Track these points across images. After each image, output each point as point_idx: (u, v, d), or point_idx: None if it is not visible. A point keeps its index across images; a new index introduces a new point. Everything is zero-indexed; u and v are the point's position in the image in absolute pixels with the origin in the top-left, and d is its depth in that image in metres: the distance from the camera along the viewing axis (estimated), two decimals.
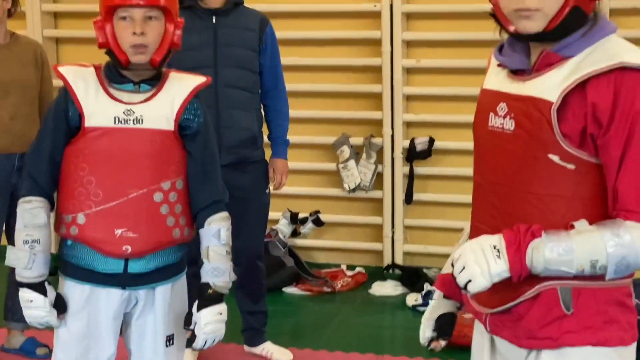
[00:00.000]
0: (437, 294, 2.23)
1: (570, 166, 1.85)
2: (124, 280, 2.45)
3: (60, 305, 2.44)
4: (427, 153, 5.10)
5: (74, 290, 2.47)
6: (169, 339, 2.54)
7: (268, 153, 3.91)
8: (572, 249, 1.80)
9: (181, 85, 2.46)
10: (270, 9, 4.68)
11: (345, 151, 5.17)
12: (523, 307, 1.92)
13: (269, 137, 3.90)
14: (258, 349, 3.98)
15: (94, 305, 2.46)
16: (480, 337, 2.09)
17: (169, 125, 2.42)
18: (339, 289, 5.01)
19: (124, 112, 2.38)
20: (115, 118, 2.38)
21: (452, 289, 2.07)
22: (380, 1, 5.02)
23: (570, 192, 1.86)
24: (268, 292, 4.06)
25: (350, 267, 5.26)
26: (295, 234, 5.32)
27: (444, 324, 2.18)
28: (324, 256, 5.44)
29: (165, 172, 2.43)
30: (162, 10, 2.39)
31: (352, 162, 5.15)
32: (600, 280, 1.86)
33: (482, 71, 2.13)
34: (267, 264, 4.09)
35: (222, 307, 2.47)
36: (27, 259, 2.38)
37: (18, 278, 2.41)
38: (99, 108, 2.38)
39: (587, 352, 1.90)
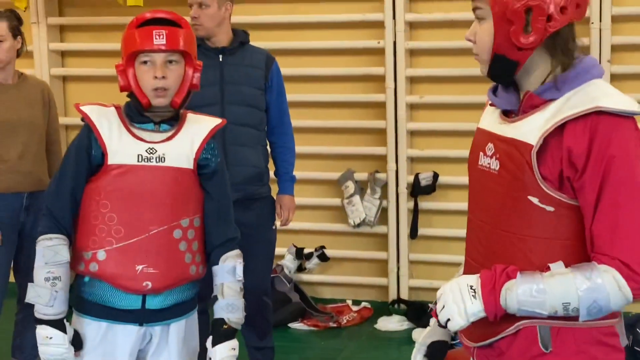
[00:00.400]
0: (432, 321, 2.24)
1: (550, 208, 1.87)
2: (141, 317, 2.49)
3: (77, 343, 2.46)
4: (431, 188, 5.12)
5: (90, 327, 2.49)
6: None
7: (274, 189, 3.94)
8: (544, 291, 1.82)
9: (200, 126, 2.55)
10: (274, 46, 4.74)
11: (350, 186, 5.19)
12: (504, 342, 1.95)
13: (275, 174, 3.94)
14: None
15: (110, 342, 2.48)
16: None
17: (189, 164, 2.49)
18: (344, 324, 5.01)
19: (146, 151, 2.45)
20: (138, 156, 2.44)
21: None
22: (384, 38, 5.08)
23: (549, 234, 1.89)
24: (274, 328, 4.07)
25: (356, 302, 5.27)
26: (300, 269, 5.32)
27: (435, 350, 2.21)
28: (329, 291, 5.44)
29: (185, 210, 2.49)
30: (182, 54, 2.47)
31: (357, 198, 5.17)
32: (579, 320, 1.87)
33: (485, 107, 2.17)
34: (272, 299, 4.09)
35: (235, 343, 2.52)
36: (48, 296, 2.40)
37: (37, 315, 2.42)
38: (123, 146, 2.45)
39: None
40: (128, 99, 2.55)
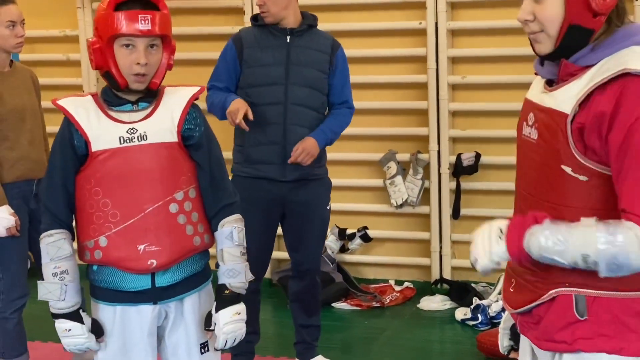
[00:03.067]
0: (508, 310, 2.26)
1: (583, 178, 1.89)
2: (153, 295, 2.50)
3: (97, 330, 2.50)
4: (473, 168, 5.12)
5: (106, 312, 2.52)
6: (203, 346, 2.59)
7: (330, 170, 3.97)
8: (566, 240, 1.83)
9: (178, 98, 2.53)
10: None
11: (392, 167, 5.21)
12: (541, 309, 1.99)
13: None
14: None
15: (127, 325, 2.51)
16: (523, 337, 2.14)
17: (172, 137, 2.48)
18: (387, 303, 5.05)
19: (127, 131, 2.44)
20: (120, 138, 2.43)
21: None
22: (425, 18, 5.08)
23: (583, 203, 1.91)
24: None
25: (399, 282, 5.30)
26: (343, 249, 5.37)
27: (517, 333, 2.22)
28: (372, 271, 5.48)
29: (177, 183, 2.48)
30: (162, 38, 2.46)
31: (399, 178, 5.19)
32: (617, 290, 1.90)
33: (527, 86, 2.19)
34: None
35: (239, 307, 2.52)
36: (58, 290, 2.44)
37: (53, 310, 2.47)
38: (103, 131, 2.44)
39: (602, 359, 1.94)
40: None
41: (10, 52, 3.83)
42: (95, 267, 2.50)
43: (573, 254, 1.83)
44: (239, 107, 3.62)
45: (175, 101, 2.51)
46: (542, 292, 1.98)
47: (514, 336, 2.26)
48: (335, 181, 4.01)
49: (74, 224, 2.55)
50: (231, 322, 2.49)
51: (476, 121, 5.17)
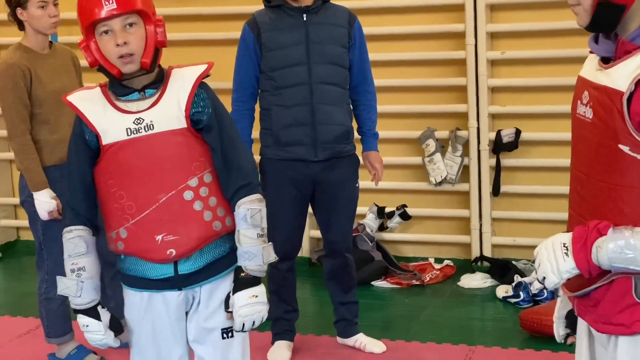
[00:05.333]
0: (561, 291, 2.25)
1: None
2: (177, 282, 2.49)
3: (115, 327, 2.50)
4: (513, 145, 5.06)
5: (135, 297, 2.54)
6: (226, 332, 2.54)
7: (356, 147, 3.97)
8: (635, 247, 1.82)
9: (183, 80, 2.44)
10: (355, 5, 4.75)
11: (431, 145, 5.18)
12: (599, 292, 1.97)
13: (359, 131, 3.97)
14: (351, 341, 4.05)
15: (154, 311, 2.51)
16: (580, 320, 2.13)
17: (180, 123, 2.41)
18: (427, 281, 5.04)
19: (134, 122, 2.39)
20: (127, 130, 2.39)
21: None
22: None
23: None
24: (357, 286, 4.12)
25: (438, 260, 5.28)
26: (382, 228, 5.36)
27: (575, 318, 2.21)
28: (411, 250, 5.46)
29: (189, 170, 2.43)
30: (139, 14, 2.37)
31: (438, 156, 5.16)
32: None
33: (568, 60, 2.17)
34: (355, 258, 4.15)
35: (257, 290, 2.45)
36: (75, 287, 2.44)
37: (72, 305, 2.49)
38: (110, 123, 2.40)
39: None
40: None
41: (45, 33, 3.82)
42: (122, 257, 2.51)
43: None
44: None
45: (180, 84, 2.44)
46: (600, 276, 1.95)
47: (572, 323, 2.24)
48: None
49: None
50: (247, 305, 2.43)
51: (516, 97, 5.11)
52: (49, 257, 3.86)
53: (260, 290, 2.46)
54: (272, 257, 2.48)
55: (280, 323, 3.97)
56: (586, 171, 1.97)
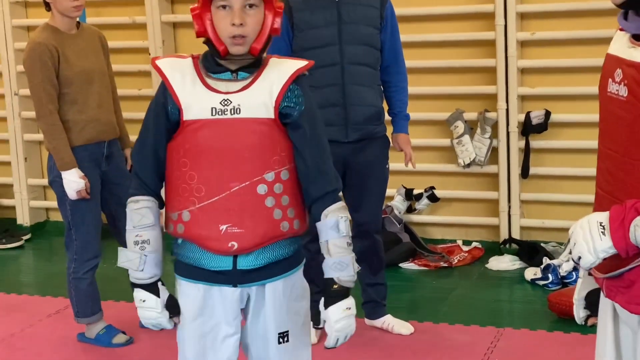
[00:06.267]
0: (583, 271, 2.22)
1: None
2: (234, 278, 2.35)
3: (173, 307, 2.37)
4: (543, 126, 5.02)
5: (189, 289, 2.39)
6: (282, 336, 2.40)
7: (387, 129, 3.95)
8: None
9: (280, 71, 2.32)
10: None
11: (460, 126, 5.15)
12: (634, 273, 1.93)
13: (389, 113, 3.96)
14: (379, 322, 4.05)
15: (210, 305, 2.37)
16: (604, 302, 2.10)
17: (268, 113, 2.28)
18: (455, 264, 5.02)
19: (221, 103, 2.27)
20: (212, 109, 2.27)
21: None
22: None
23: None
24: (385, 268, 4.11)
25: (466, 243, 5.26)
26: (410, 210, 5.34)
27: (595, 300, 2.18)
28: (439, 232, 5.44)
29: (268, 163, 2.29)
30: None
31: (466, 137, 5.13)
32: None
33: (599, 41, 2.13)
34: (383, 240, 4.14)
35: (349, 302, 2.32)
36: (138, 260, 2.32)
37: (132, 279, 2.36)
38: (196, 100, 2.28)
39: None
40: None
41: (70, 16, 3.84)
42: (179, 241, 2.38)
43: None
44: None
45: (277, 74, 2.31)
46: (635, 257, 1.90)
47: (591, 305, 2.21)
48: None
49: (163, 192, 2.43)
50: (343, 319, 2.30)
51: (546, 78, 5.06)
52: (77, 237, 3.89)
53: (352, 302, 2.34)
54: (357, 267, 2.36)
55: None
56: (619, 150, 1.94)
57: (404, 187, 5.28)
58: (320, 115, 2.41)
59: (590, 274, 2.17)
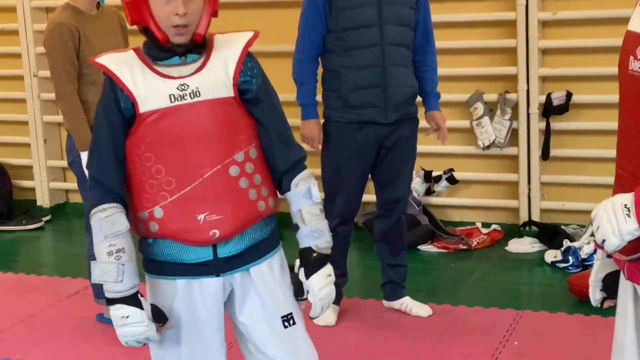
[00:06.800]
0: (600, 253, 2.20)
1: None
2: (216, 267, 2.24)
3: (159, 317, 2.20)
4: (564, 108, 4.97)
5: (165, 287, 2.26)
6: (287, 319, 2.31)
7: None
8: None
9: (231, 47, 2.23)
10: None
11: (479, 108, 5.10)
12: None
13: (420, 93, 3.93)
14: (397, 304, 4.03)
15: (190, 300, 2.25)
16: (624, 285, 2.07)
17: (228, 92, 2.20)
18: (474, 246, 4.99)
19: (178, 88, 2.16)
20: (170, 96, 2.16)
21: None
22: None
23: None
24: None
25: (486, 225, 5.23)
26: (429, 192, 5.32)
27: (611, 282, 2.17)
28: (458, 214, 5.41)
29: (236, 143, 2.21)
30: None
31: (486, 119, 5.08)
32: None
33: (622, 21, 2.08)
34: None
35: (329, 269, 2.28)
36: (115, 271, 2.14)
37: (108, 295, 2.17)
38: (151, 89, 2.16)
39: None
40: None
41: None
42: (150, 241, 2.24)
43: None
44: (313, 136, 3.76)
45: (228, 51, 2.22)
46: None
47: (607, 287, 2.19)
48: (421, 123, 3.95)
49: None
50: (325, 286, 2.26)
51: (567, 59, 5.00)
52: None
53: (331, 269, 2.29)
54: (330, 233, 2.33)
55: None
56: None
57: (423, 169, 5.25)
58: (273, 87, 2.34)
59: (609, 257, 2.14)
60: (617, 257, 2.01)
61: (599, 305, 2.24)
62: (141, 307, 2.16)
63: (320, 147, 3.81)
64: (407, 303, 4.02)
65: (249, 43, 2.25)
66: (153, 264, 2.28)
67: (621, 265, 2.03)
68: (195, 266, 2.23)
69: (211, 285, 2.26)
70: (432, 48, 3.89)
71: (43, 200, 6.15)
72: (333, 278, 2.30)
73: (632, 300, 2.05)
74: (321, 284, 2.26)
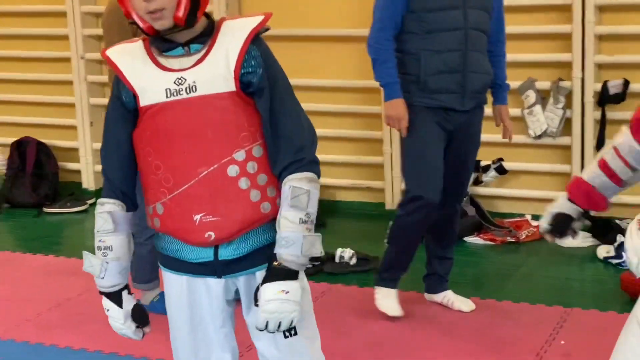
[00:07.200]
0: (562, 195, 2.31)
1: None
2: (216, 269, 2.17)
3: (139, 318, 2.20)
4: (620, 96, 4.79)
5: (173, 280, 2.24)
6: (289, 330, 2.15)
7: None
8: None
9: (234, 35, 2.07)
10: None
11: (531, 96, 4.95)
12: None
13: (491, 83, 3.80)
14: (439, 297, 3.92)
15: (195, 297, 2.21)
16: None
17: (228, 86, 2.06)
18: (523, 239, 4.84)
19: (174, 82, 2.06)
20: (167, 91, 2.06)
21: (579, 194, 2.26)
22: None
23: None
24: None
25: (535, 217, 5.06)
26: (477, 182, 5.18)
27: (558, 222, 2.29)
28: (507, 205, 5.26)
29: (236, 141, 2.07)
30: None
31: (538, 107, 4.93)
32: None
33: None
34: None
35: (289, 285, 2.04)
36: (99, 267, 2.16)
37: (97, 286, 2.22)
38: (150, 82, 2.08)
39: None
40: None
41: None
42: (159, 234, 2.21)
43: None
44: (399, 115, 3.58)
45: (231, 40, 2.07)
46: None
47: (552, 224, 2.32)
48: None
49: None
50: (275, 300, 2.03)
51: (625, 46, 4.81)
52: (140, 202, 3.84)
53: (294, 286, 2.05)
54: (317, 250, 2.08)
55: (396, 270, 3.81)
56: None
57: None
58: (284, 74, 2.16)
59: (570, 200, 2.31)
60: None
61: (545, 235, 2.33)
62: (120, 305, 2.18)
63: (406, 127, 3.62)
64: (449, 297, 3.90)
65: (255, 29, 2.08)
66: (162, 257, 2.25)
67: None
68: (196, 265, 2.18)
69: (214, 285, 2.21)
70: (503, 36, 3.78)
71: (88, 183, 6.16)
72: (292, 297, 2.04)
73: None
74: (269, 297, 2.04)
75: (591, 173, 2.29)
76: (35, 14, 6.16)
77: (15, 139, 6.14)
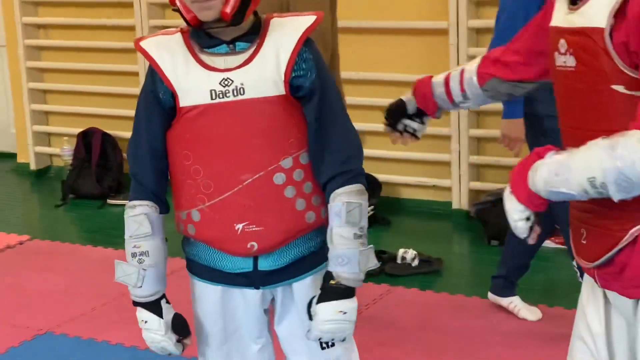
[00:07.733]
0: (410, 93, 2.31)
1: (639, 93, 1.70)
2: (255, 280, 2.07)
3: (180, 329, 2.08)
4: None
5: (206, 290, 2.12)
6: (326, 341, 2.09)
7: None
8: (568, 167, 1.69)
9: (285, 34, 1.96)
10: None
11: None
12: (624, 255, 1.80)
13: None
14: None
15: (230, 307, 2.12)
16: (591, 292, 1.97)
17: (278, 89, 1.95)
18: None
19: (220, 83, 1.93)
20: (212, 92, 1.94)
21: (419, 92, 2.27)
22: None
23: None
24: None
25: None
26: None
27: (393, 109, 2.34)
28: None
29: (283, 148, 1.98)
30: None
31: None
32: None
33: None
34: None
35: (347, 305, 1.96)
36: (135, 275, 2.03)
37: (132, 297, 2.10)
38: (193, 82, 1.95)
39: None
40: None
41: None
42: (191, 240, 2.09)
43: (578, 180, 1.66)
44: (519, 136, 3.47)
45: (282, 40, 1.96)
46: (620, 234, 1.76)
47: (388, 109, 2.35)
48: None
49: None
50: (332, 321, 1.96)
51: None
52: None
53: (351, 306, 1.97)
54: (372, 263, 2.00)
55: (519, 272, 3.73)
56: (580, 125, 1.82)
57: None
58: (333, 79, 2.07)
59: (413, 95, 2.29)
60: (582, 264, 1.90)
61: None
62: (160, 316, 2.05)
63: (520, 150, 3.52)
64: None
65: (309, 30, 1.97)
66: (193, 265, 2.13)
67: (591, 273, 1.92)
68: (233, 276, 2.07)
69: (252, 295, 2.11)
70: None
71: None
72: (349, 317, 1.98)
73: (602, 306, 1.95)
74: (327, 317, 1.96)
75: (439, 79, 2.27)
76: (102, 4, 6.16)
77: (81, 129, 6.15)
